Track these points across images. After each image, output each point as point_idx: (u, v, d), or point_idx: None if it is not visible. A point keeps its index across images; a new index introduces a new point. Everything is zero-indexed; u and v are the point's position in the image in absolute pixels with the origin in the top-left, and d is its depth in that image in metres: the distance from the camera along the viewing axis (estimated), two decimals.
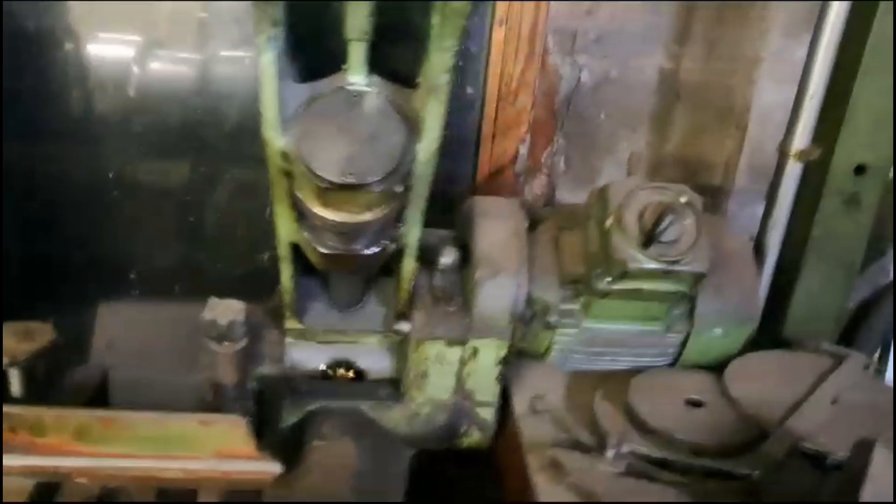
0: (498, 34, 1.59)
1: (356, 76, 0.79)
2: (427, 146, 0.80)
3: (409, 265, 1.06)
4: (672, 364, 1.28)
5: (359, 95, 0.79)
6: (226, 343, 1.15)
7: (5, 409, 0.98)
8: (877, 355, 1.75)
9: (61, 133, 1.64)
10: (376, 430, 1.20)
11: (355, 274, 1.09)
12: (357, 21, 0.73)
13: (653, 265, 1.07)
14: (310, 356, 1.26)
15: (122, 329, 1.37)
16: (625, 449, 1.08)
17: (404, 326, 1.19)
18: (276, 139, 0.78)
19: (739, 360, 1.26)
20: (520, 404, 1.24)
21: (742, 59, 1.68)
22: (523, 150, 1.72)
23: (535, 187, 1.77)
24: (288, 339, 1.24)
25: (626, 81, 1.70)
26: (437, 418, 1.24)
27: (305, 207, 0.84)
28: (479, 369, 1.21)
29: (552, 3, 1.59)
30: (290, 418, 1.21)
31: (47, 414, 0.99)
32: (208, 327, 1.13)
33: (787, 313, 1.42)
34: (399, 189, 0.82)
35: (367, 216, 0.83)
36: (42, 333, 1.04)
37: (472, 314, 1.18)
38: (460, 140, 1.70)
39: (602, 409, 1.17)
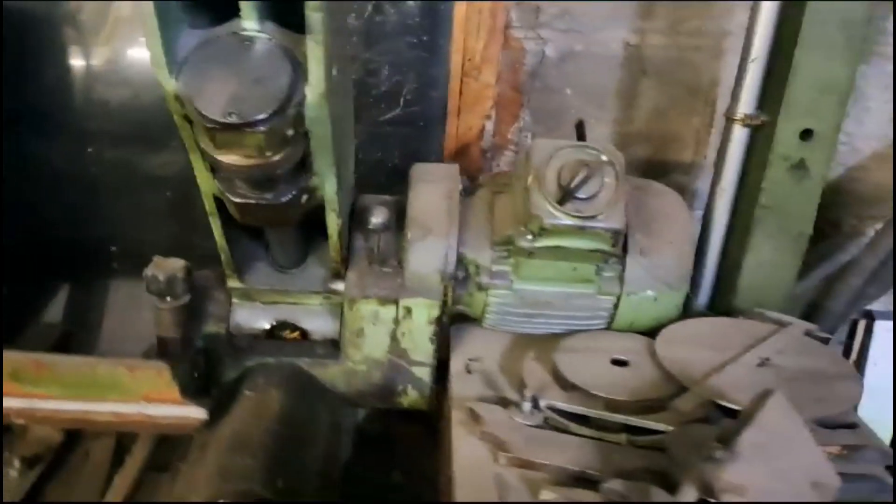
0: (459, 9, 1.63)
1: (248, 22, 0.83)
2: (313, 88, 0.84)
3: (332, 221, 1.10)
4: (607, 328, 1.29)
5: (249, 40, 0.83)
6: (168, 299, 1.20)
7: None
8: (845, 335, 1.74)
9: None
10: (310, 384, 1.24)
11: (275, 226, 1.12)
12: None
13: (568, 220, 1.09)
14: (254, 317, 1.31)
15: None
16: (542, 403, 1.10)
17: (339, 286, 1.23)
18: (166, 81, 0.82)
19: (675, 325, 1.27)
20: (455, 365, 1.27)
21: (708, 34, 1.68)
22: (489, 125, 1.74)
23: (503, 164, 1.79)
24: (234, 300, 1.30)
25: (590, 57, 1.71)
26: (374, 376, 1.27)
27: (208, 154, 0.89)
28: (413, 329, 1.24)
29: None
30: (230, 374, 1.26)
31: None
32: (150, 282, 1.19)
33: (738, 284, 1.43)
34: (290, 132, 0.86)
35: (260, 159, 0.87)
36: None
37: (403, 275, 1.21)
38: (427, 116, 1.74)
39: (529, 367, 1.19)
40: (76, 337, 1.39)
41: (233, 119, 0.80)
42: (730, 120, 1.35)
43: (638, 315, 1.26)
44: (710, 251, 1.45)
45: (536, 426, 1.09)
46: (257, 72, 0.83)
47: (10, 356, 1.06)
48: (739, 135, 1.36)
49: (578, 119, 1.31)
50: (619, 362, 1.19)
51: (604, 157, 1.12)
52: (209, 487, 0.96)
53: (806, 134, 1.31)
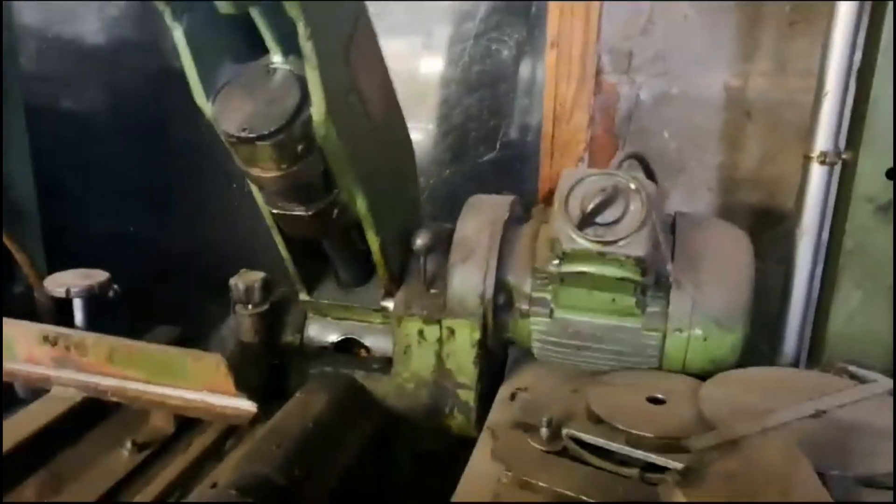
0: (550, 56, 1.69)
1: (275, 56, 0.98)
2: (316, 109, 0.95)
3: (371, 238, 1.20)
4: (659, 368, 1.25)
5: (273, 71, 0.98)
6: (249, 306, 1.37)
7: (65, 330, 1.28)
8: None
9: None
10: (358, 395, 1.32)
11: (318, 239, 1.24)
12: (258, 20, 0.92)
13: (587, 245, 1.10)
14: (325, 330, 1.44)
15: None
16: (564, 431, 1.09)
17: (388, 303, 1.32)
18: (203, 105, 0.99)
19: (734, 371, 1.20)
20: (502, 392, 1.30)
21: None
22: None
23: None
24: (309, 314, 1.43)
25: (688, 100, 1.68)
26: (422, 395, 1.33)
27: (241, 168, 1.04)
28: (456, 350, 1.29)
29: (604, 24, 1.65)
30: (297, 380, 1.39)
31: (89, 337, 1.27)
32: (233, 290, 1.37)
33: (826, 336, 1.32)
34: (300, 147, 0.98)
35: (277, 171, 1.00)
36: (99, 274, 1.34)
37: (447, 296, 1.27)
38: (522, 159, 1.81)
39: (564, 396, 1.19)
40: (192, 343, 1.59)
41: (245, 133, 0.95)
42: (807, 158, 1.27)
43: (688, 355, 1.21)
44: (794, 300, 1.35)
45: (553, 452, 1.08)
46: (271, 95, 0.97)
47: (110, 339, 1.27)
48: (819, 174, 1.27)
49: (635, 152, 1.31)
50: (655, 400, 1.15)
51: (632, 185, 1.11)
52: (234, 470, 1.07)
53: (892, 173, 1.20)
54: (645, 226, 1.09)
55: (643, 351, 1.23)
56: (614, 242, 1.09)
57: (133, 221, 2.03)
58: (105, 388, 1.29)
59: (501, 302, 1.28)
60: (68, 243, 1.93)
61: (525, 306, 1.27)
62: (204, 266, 1.99)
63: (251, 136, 0.95)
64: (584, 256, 1.12)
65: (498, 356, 1.40)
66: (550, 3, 1.67)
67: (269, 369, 1.40)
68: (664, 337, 1.20)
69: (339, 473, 1.17)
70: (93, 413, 1.33)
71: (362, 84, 1.06)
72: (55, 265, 1.52)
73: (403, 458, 1.39)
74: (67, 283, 1.28)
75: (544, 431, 1.09)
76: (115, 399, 1.29)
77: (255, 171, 1.02)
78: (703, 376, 1.20)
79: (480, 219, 1.31)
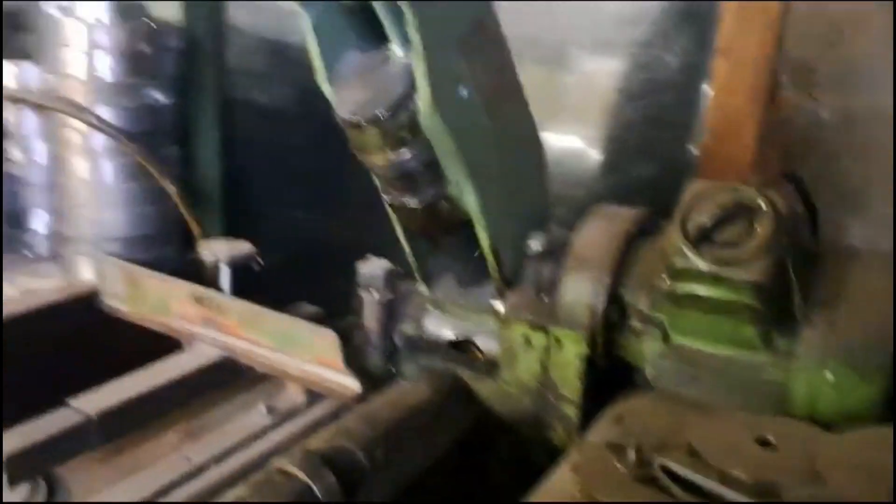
0: (719, 66, 1.60)
1: (395, 45, 1.04)
2: (422, 99, 0.99)
3: (482, 237, 1.21)
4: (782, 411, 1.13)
5: (389, 59, 1.03)
6: (374, 293, 1.45)
7: (212, 292, 1.43)
8: None
9: None
10: (461, 394, 1.34)
11: (431, 233, 1.27)
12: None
13: (700, 264, 1.02)
14: (442, 326, 1.47)
15: None
16: (657, 460, 1.04)
17: (498, 305, 1.33)
18: (327, 90, 1.07)
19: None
20: (607, 412, 1.25)
21: None
22: None
23: None
24: (428, 307, 1.48)
25: (881, 121, 1.50)
26: (524, 402, 1.32)
27: (355, 153, 1.10)
28: (563, 362, 1.26)
29: (787, 33, 1.53)
30: (408, 370, 1.44)
31: (228, 301, 1.42)
32: (358, 276, 1.45)
33: None
34: (405, 135, 1.02)
35: (383, 158, 1.05)
36: (244, 246, 1.48)
37: (557, 304, 1.25)
38: (680, 174, 1.71)
39: (668, 425, 1.12)
40: (328, 323, 1.70)
41: (354, 117, 1.01)
42: None
43: (814, 401, 1.09)
44: None
45: (638, 479, 1.03)
46: (383, 83, 1.02)
47: (244, 305, 1.40)
48: None
49: (789, 172, 1.20)
50: (764, 443, 1.05)
51: (762, 205, 1.02)
52: (321, 440, 1.13)
53: None
54: (770, 250, 1.00)
55: (764, 390, 1.12)
56: (730, 264, 1.01)
57: (303, 208, 2.21)
58: (238, 349, 1.42)
59: (614, 318, 1.23)
60: (244, 223, 2.15)
61: (639, 325, 1.21)
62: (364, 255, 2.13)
63: (359, 120, 1.01)
64: (695, 276, 1.05)
65: (613, 375, 1.34)
66: (724, 7, 1.58)
67: (384, 356, 1.46)
68: (789, 378, 1.09)
69: (426, 466, 1.20)
70: (229, 372, 1.47)
71: (479, 78, 1.08)
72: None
73: (501, 466, 1.38)
74: (217, 250, 1.43)
75: (632, 455, 1.04)
76: (245, 361, 1.42)
77: (366, 157, 1.08)
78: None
79: (602, 228, 1.27)
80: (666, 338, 1.18)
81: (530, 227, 1.31)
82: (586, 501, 0.98)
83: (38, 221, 1.81)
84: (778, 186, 1.17)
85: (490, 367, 1.36)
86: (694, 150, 1.69)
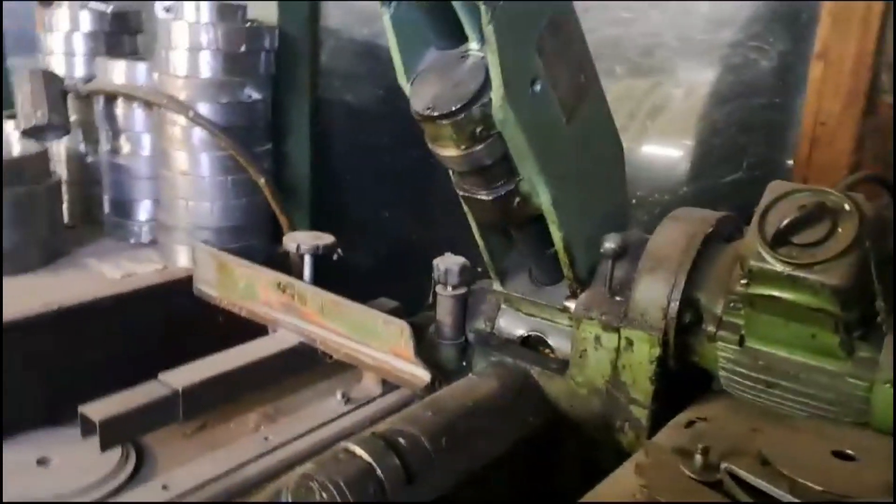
0: (816, 69, 1.55)
1: (473, 44, 1.07)
2: (495, 93, 1.01)
3: (555, 235, 1.22)
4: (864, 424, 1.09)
5: (465, 56, 1.06)
6: (449, 288, 1.48)
7: (293, 280, 1.50)
8: None
9: None
10: (530, 391, 1.35)
11: (497, 225, 1.29)
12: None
13: (776, 265, 1.00)
14: (514, 323, 1.49)
15: None
16: (724, 465, 1.02)
17: (570, 304, 1.33)
18: (405, 85, 1.11)
19: None
20: (680, 418, 1.23)
21: None
22: None
23: None
24: (502, 305, 1.50)
25: None
26: (594, 403, 1.32)
27: (431, 147, 1.14)
28: (633, 363, 1.25)
29: (887, 35, 1.46)
30: (479, 365, 1.46)
31: (308, 290, 1.48)
32: (435, 270, 1.49)
33: None
34: (478, 129, 1.05)
35: (456, 151, 1.08)
36: (327, 237, 1.55)
37: (629, 305, 1.25)
38: (766, 180, 1.66)
39: (741, 432, 1.10)
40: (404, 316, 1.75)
41: (428, 112, 1.04)
42: None
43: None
44: None
45: (703, 483, 1.01)
46: (459, 79, 1.05)
47: (323, 294, 1.46)
48: None
49: (877, 173, 1.16)
50: (843, 456, 1.01)
51: (845, 206, 0.99)
52: (388, 425, 1.17)
53: None
54: (851, 252, 0.97)
55: (845, 401, 1.08)
56: (808, 266, 0.98)
57: (390, 206, 2.27)
58: (317, 336, 1.49)
59: (687, 321, 1.21)
60: (332, 219, 2.24)
61: (713, 329, 1.19)
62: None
63: (433, 114, 1.04)
64: (773, 278, 1.02)
65: (689, 379, 1.32)
66: (823, 8, 1.52)
67: (457, 350, 1.49)
68: (870, 388, 1.05)
69: (490, 458, 1.21)
70: (308, 357, 1.54)
71: (555, 76, 1.09)
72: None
73: (569, 466, 1.38)
74: (299, 240, 1.50)
75: (698, 459, 1.03)
76: (322, 348, 1.48)
77: (439, 150, 1.11)
78: None
79: (679, 230, 1.26)
80: (741, 342, 1.15)
81: (606, 227, 1.31)
82: (647, 502, 0.97)
83: (143, 210, 1.94)
84: (866, 189, 1.12)
85: (561, 366, 1.37)
86: (787, 155, 1.63)
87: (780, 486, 0.96)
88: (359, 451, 1.06)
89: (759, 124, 1.67)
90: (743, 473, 1.00)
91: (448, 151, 1.10)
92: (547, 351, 1.45)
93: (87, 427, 1.22)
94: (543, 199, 1.17)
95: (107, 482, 1.35)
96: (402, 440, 1.12)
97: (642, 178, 1.86)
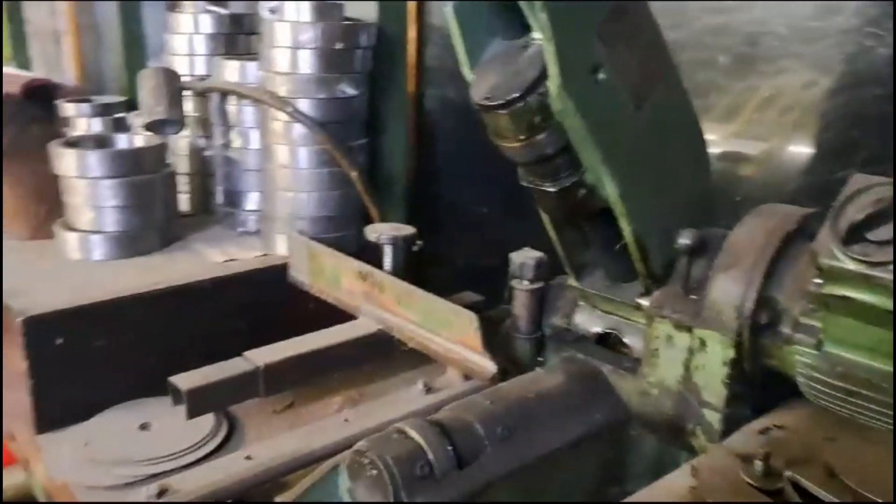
0: None
1: (536, 33, 1.08)
2: (552, 82, 1.02)
3: (624, 228, 1.21)
4: None
5: (527, 46, 1.07)
6: (524, 282, 1.50)
7: (373, 269, 1.57)
8: None
9: None
10: (599, 388, 1.34)
11: (564, 218, 1.28)
12: None
13: (848, 263, 0.94)
14: (590, 320, 1.48)
15: None
16: (787, 473, 0.98)
17: (643, 301, 1.30)
18: (468, 76, 1.13)
19: None
20: (755, 424, 1.18)
21: None
22: None
23: None
24: (579, 302, 1.49)
25: None
26: (665, 404, 1.29)
27: (492, 139, 1.16)
28: (707, 365, 1.22)
29: None
30: (551, 359, 1.46)
31: (387, 279, 1.54)
32: (510, 264, 1.51)
33: None
34: (536, 119, 1.05)
35: (515, 142, 1.09)
36: (407, 229, 1.60)
37: (703, 304, 1.21)
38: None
39: (815, 442, 1.05)
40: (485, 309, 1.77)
41: (486, 102, 1.06)
42: None
43: None
44: None
45: (761, 489, 0.97)
46: (519, 68, 1.06)
47: (400, 284, 1.52)
48: None
49: None
50: None
51: None
52: (446, 410, 1.20)
53: None
54: None
55: None
56: (882, 265, 0.92)
57: (486, 200, 2.30)
58: (394, 324, 1.54)
59: (764, 321, 1.16)
60: (427, 214, 2.30)
61: (789, 331, 1.13)
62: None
63: (490, 104, 1.06)
64: (845, 277, 0.96)
65: (771, 384, 1.26)
66: None
67: (531, 344, 1.50)
68: None
69: (548, 451, 1.22)
70: (386, 345, 1.60)
71: (621, 63, 1.08)
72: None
73: (640, 467, 1.36)
74: (380, 231, 1.56)
75: (758, 465, 0.99)
76: (398, 336, 1.54)
77: (499, 141, 1.13)
78: None
79: (759, 227, 1.20)
80: (819, 346, 1.09)
81: (684, 221, 1.27)
82: (693, 502, 0.95)
83: (250, 201, 2.08)
84: None
85: (633, 364, 1.35)
86: None
87: (844, 498, 0.91)
88: (411, 432, 1.10)
89: (874, 116, 1.55)
90: (806, 483, 0.95)
91: (508, 142, 1.12)
92: (624, 349, 1.43)
93: (177, 396, 1.34)
94: (610, 190, 1.16)
95: (197, 449, 1.47)
96: (455, 426, 1.15)
97: (744, 175, 1.78)
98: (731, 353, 1.18)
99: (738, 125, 1.78)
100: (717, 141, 1.78)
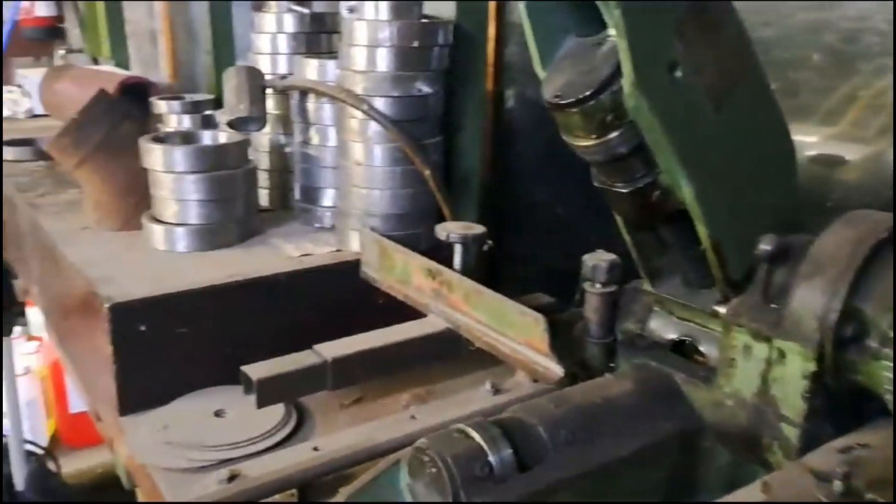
0: None
1: (610, 29, 1.06)
2: (626, 80, 0.99)
3: (701, 232, 1.17)
4: None
5: (602, 43, 1.05)
6: (596, 285, 1.47)
7: (442, 268, 1.58)
8: None
9: None
10: (671, 396, 1.30)
11: (638, 219, 1.25)
12: None
13: None
14: (666, 327, 1.44)
15: None
16: (867, 495, 0.93)
17: (721, 309, 1.26)
18: (540, 73, 1.12)
19: None
20: (839, 441, 1.13)
21: None
22: None
23: None
24: (654, 307, 1.45)
25: None
26: (739, 416, 1.24)
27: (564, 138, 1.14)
28: (785, 377, 1.17)
29: None
30: (621, 365, 1.43)
31: (455, 277, 1.54)
32: (582, 266, 1.49)
33: None
34: (608, 118, 1.03)
35: (587, 140, 1.07)
36: (477, 228, 1.60)
37: (784, 313, 1.16)
38: None
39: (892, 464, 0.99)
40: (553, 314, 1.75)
41: (556, 100, 1.04)
42: None
43: None
44: None
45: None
46: (591, 66, 1.04)
47: (468, 282, 1.52)
48: None
49: None
50: None
51: None
52: (510, 411, 1.20)
53: None
54: None
55: None
56: None
57: (562, 201, 2.28)
58: (461, 323, 1.55)
59: (849, 334, 1.10)
60: (502, 212, 2.29)
61: (876, 345, 1.07)
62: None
63: (561, 101, 1.05)
64: None
65: (862, 400, 1.20)
66: None
67: (602, 348, 1.47)
68: None
69: (613, 458, 1.19)
70: (453, 343, 1.60)
71: (700, 61, 1.05)
72: (483, 224, 1.84)
73: (713, 481, 1.31)
74: (449, 230, 1.57)
75: (837, 484, 0.94)
76: (466, 335, 1.54)
77: (571, 140, 1.11)
78: None
79: (847, 234, 1.14)
80: None
81: (767, 226, 1.22)
82: None
83: (327, 197, 2.13)
84: None
85: (708, 373, 1.30)
86: None
87: None
88: (472, 432, 1.09)
89: None
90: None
91: (579, 141, 1.10)
92: (699, 358, 1.39)
93: (248, 385, 1.38)
94: (686, 192, 1.12)
95: (267, 437, 1.52)
96: (518, 428, 1.14)
97: (839, 180, 1.70)
98: (811, 367, 1.12)
99: (833, 127, 1.70)
100: (809, 143, 1.71)
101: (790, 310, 1.15)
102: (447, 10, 1.93)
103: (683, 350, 1.40)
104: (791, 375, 1.15)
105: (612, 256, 1.47)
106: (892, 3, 1.54)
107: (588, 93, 1.03)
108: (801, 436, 1.16)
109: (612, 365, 1.47)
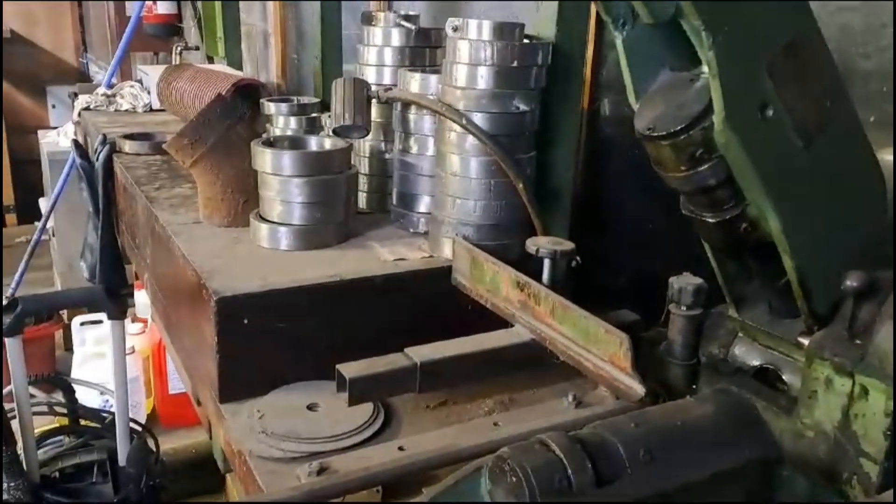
0: None
1: (705, 66, 1.11)
2: (716, 117, 1.04)
3: (787, 265, 1.21)
4: None
5: (696, 78, 1.11)
6: (682, 308, 1.52)
7: (530, 280, 1.65)
8: None
9: None
10: (750, 423, 1.34)
11: (725, 249, 1.28)
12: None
13: None
14: (749, 354, 1.47)
15: None
16: None
17: (804, 340, 1.29)
18: (633, 104, 1.18)
19: None
20: None
21: None
22: None
23: None
24: (739, 333, 1.49)
25: None
26: (819, 448, 1.27)
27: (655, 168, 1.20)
28: (868, 414, 1.19)
29: None
30: (704, 389, 1.47)
31: (543, 291, 1.62)
32: (669, 288, 1.53)
33: None
34: (698, 152, 1.08)
35: (677, 172, 1.12)
36: (566, 244, 1.67)
37: (868, 349, 1.18)
38: None
39: None
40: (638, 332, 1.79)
41: (648, 132, 1.10)
42: None
43: None
44: None
45: None
46: (684, 101, 1.09)
47: (555, 297, 1.59)
48: None
49: None
50: None
51: None
52: (590, 427, 1.26)
53: None
54: None
55: None
56: None
57: (652, 219, 2.31)
58: (548, 336, 1.62)
59: None
60: (593, 228, 2.34)
61: None
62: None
63: (653, 134, 1.11)
64: None
65: None
66: None
67: (685, 371, 1.51)
68: None
69: (691, 481, 1.24)
70: (538, 356, 1.68)
71: (791, 101, 1.09)
72: (574, 237, 1.91)
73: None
74: (539, 244, 1.64)
75: None
76: (551, 348, 1.61)
77: (661, 171, 1.17)
78: None
79: None
80: None
81: (854, 262, 1.24)
82: None
83: (422, 204, 2.23)
84: None
85: (789, 403, 1.33)
86: None
87: None
88: (553, 445, 1.17)
89: None
90: None
91: (670, 172, 1.16)
92: (782, 387, 1.41)
93: (341, 382, 1.50)
94: (773, 225, 1.16)
95: (356, 433, 1.63)
96: (598, 444, 1.20)
97: None
98: (893, 406, 1.14)
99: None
100: None
101: (874, 346, 1.17)
102: (546, 29, 1.99)
103: (766, 377, 1.43)
104: (874, 412, 1.17)
105: (698, 280, 1.50)
106: None
107: (679, 127, 1.09)
108: (882, 472, 1.17)
109: (693, 387, 1.51)
